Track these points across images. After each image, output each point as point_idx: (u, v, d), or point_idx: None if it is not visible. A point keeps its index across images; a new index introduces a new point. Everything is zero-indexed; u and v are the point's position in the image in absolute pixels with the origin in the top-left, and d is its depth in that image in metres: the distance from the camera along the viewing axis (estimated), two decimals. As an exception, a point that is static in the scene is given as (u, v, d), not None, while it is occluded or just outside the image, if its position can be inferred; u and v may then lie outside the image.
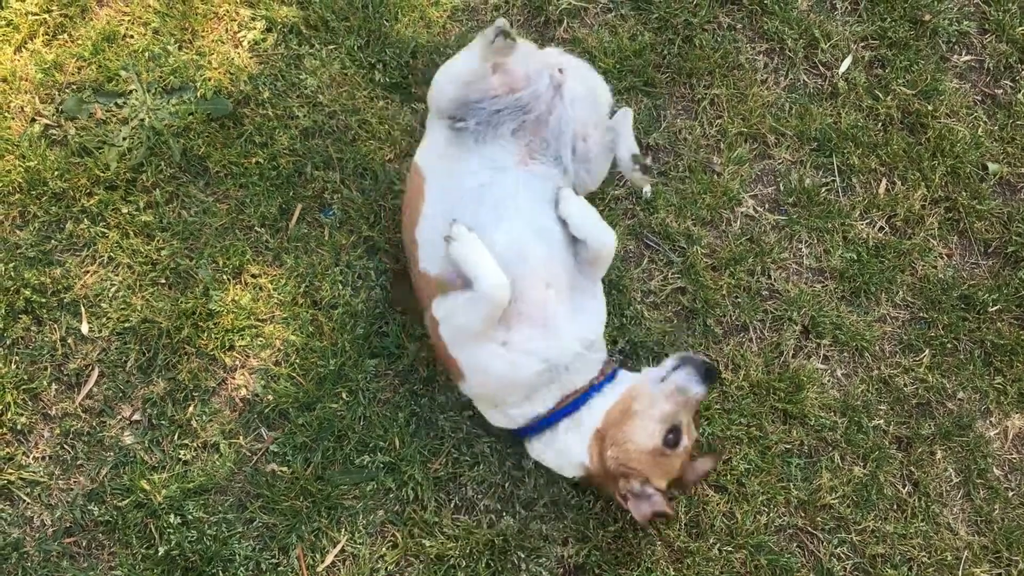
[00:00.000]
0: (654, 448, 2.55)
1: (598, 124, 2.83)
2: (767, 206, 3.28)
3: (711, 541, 2.90)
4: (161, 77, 3.16)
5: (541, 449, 2.72)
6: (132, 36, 3.18)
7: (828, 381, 3.10)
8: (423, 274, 2.70)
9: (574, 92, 2.79)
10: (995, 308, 3.18)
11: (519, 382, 2.60)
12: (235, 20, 3.22)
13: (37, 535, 2.77)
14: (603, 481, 2.64)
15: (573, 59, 2.90)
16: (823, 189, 3.28)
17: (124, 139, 3.09)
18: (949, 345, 3.14)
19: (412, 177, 2.81)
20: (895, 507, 2.99)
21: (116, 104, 3.14)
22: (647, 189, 3.24)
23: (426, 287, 2.70)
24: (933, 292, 3.19)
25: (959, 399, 3.10)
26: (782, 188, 3.28)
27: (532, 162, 2.73)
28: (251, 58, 3.20)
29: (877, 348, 3.14)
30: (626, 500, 2.59)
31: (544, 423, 2.66)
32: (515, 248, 2.56)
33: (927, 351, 3.13)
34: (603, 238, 2.62)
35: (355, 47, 3.24)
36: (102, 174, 3.03)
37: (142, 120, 3.11)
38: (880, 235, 3.25)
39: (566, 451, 2.67)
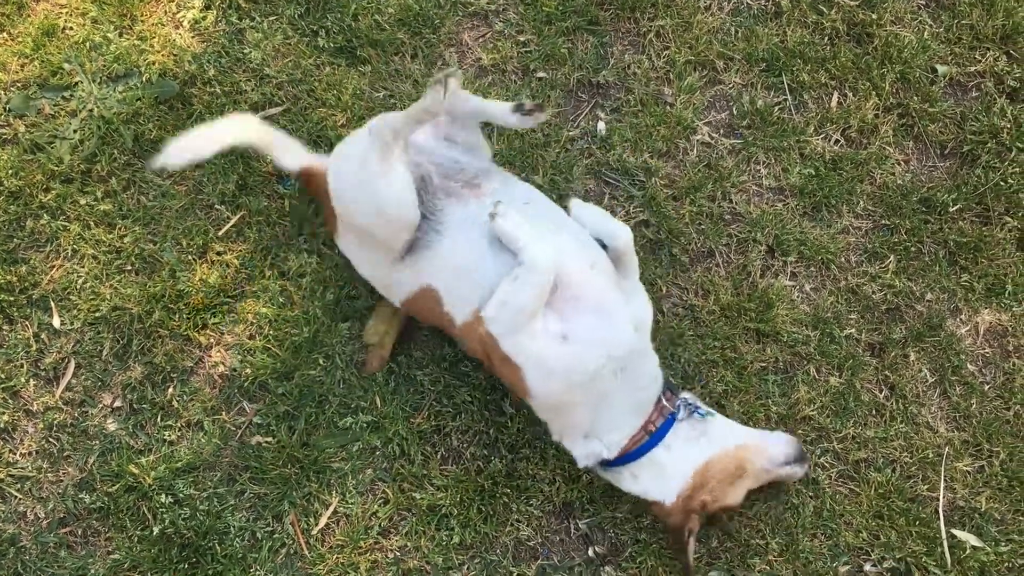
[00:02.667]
0: (735, 505, 2.67)
1: (442, 127, 2.77)
2: (722, 131, 3.25)
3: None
4: (105, 66, 3.12)
5: (631, 479, 2.68)
6: (71, 28, 3.13)
7: (797, 297, 3.09)
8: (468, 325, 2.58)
9: (416, 136, 2.68)
10: (955, 208, 3.16)
11: (585, 376, 2.46)
12: (173, 1, 3.17)
13: (32, 529, 2.77)
14: (672, 513, 2.64)
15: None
16: (776, 109, 3.25)
17: (75, 131, 3.06)
18: (913, 249, 3.13)
19: (423, 297, 2.64)
20: (874, 412, 2.99)
21: (63, 97, 3.10)
22: (601, 126, 3.22)
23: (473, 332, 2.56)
24: (893, 199, 3.18)
25: (928, 301, 3.10)
26: (735, 112, 3.26)
27: (476, 188, 2.63)
28: (193, 37, 3.16)
29: (842, 259, 3.13)
30: (688, 539, 2.64)
31: (634, 454, 2.62)
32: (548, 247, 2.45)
33: (892, 257, 3.12)
34: (616, 231, 2.57)
35: (296, 15, 3.20)
36: (56, 168, 3.00)
37: (91, 111, 3.08)
38: (836, 148, 3.23)
39: (662, 476, 2.63)
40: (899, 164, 3.24)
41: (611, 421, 2.59)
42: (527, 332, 2.42)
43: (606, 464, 2.65)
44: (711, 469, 2.60)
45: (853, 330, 3.05)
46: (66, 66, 3.10)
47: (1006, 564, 2.87)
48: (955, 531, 2.87)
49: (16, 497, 2.79)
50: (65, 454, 2.83)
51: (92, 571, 2.74)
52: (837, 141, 3.24)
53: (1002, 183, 3.19)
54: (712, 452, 2.62)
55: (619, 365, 2.50)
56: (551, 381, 2.47)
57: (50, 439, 2.84)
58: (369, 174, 2.51)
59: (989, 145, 3.23)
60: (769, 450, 2.68)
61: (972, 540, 2.86)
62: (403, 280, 2.65)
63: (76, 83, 3.10)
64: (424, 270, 2.59)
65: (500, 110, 2.66)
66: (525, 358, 2.45)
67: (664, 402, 2.63)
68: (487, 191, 2.63)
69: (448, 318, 2.60)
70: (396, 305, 2.76)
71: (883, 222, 3.17)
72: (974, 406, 3.00)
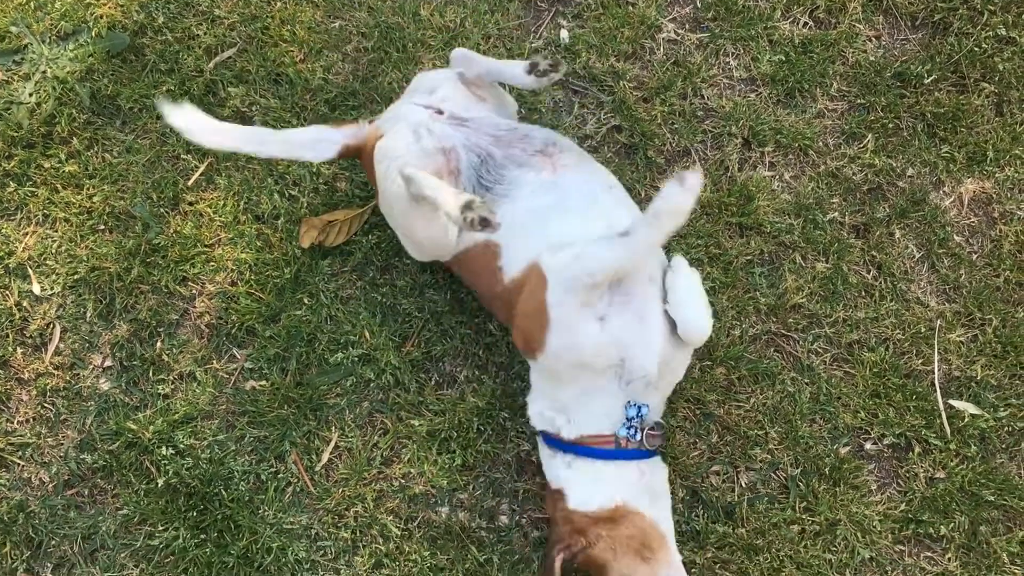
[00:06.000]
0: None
1: (482, 94, 2.68)
2: (687, 26, 3.14)
3: (691, 363, 2.87)
4: (52, 25, 3.02)
5: (563, 466, 2.47)
6: (12, -11, 3.03)
7: (777, 186, 3.02)
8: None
9: (456, 105, 2.60)
10: (931, 79, 3.06)
11: (595, 365, 2.35)
12: (111, -50, 3.06)
13: (39, 494, 2.76)
14: (569, 521, 2.41)
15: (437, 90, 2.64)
16: (740, -3, 3.14)
17: (30, 95, 2.97)
18: (891, 125, 3.04)
19: (483, 250, 2.53)
20: (863, 293, 2.94)
21: (14, 62, 3.01)
22: (564, 34, 3.12)
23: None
24: (867, 76, 3.08)
25: (909, 176, 3.02)
26: (699, 4, 3.14)
27: (550, 157, 2.53)
28: (137, -14, 3.05)
29: (820, 144, 3.04)
30: (558, 553, 2.36)
31: (588, 451, 2.44)
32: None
33: (870, 136, 3.04)
34: (697, 325, 2.36)
35: (239, -48, 3.08)
36: (16, 134, 2.92)
37: (44, 72, 2.99)
38: (805, 31, 3.12)
39: (594, 485, 2.42)
40: (870, 41, 3.13)
41: (589, 413, 2.44)
42: (579, 295, 2.30)
43: (553, 441, 2.50)
44: (628, 521, 2.38)
45: (836, 214, 2.98)
46: (13, 29, 3.00)
47: (1006, 429, 2.84)
48: (953, 401, 2.84)
49: (19, 464, 2.77)
50: (62, 418, 2.81)
51: (103, 528, 2.74)
52: (806, 24, 3.13)
53: (976, 49, 3.08)
54: (644, 510, 2.41)
55: (628, 378, 2.37)
56: (569, 351, 2.35)
57: (45, 405, 2.81)
58: (407, 212, 2.51)
59: (960, 11, 3.11)
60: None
61: (970, 409, 2.83)
62: (464, 238, 2.54)
63: (25, 45, 3.00)
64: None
65: (514, 71, 2.58)
66: (560, 316, 2.33)
67: (653, 432, 2.44)
68: (561, 163, 2.53)
69: (500, 274, 2.48)
70: (444, 259, 2.65)
71: (858, 101, 3.07)
72: (963, 276, 2.95)
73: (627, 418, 2.41)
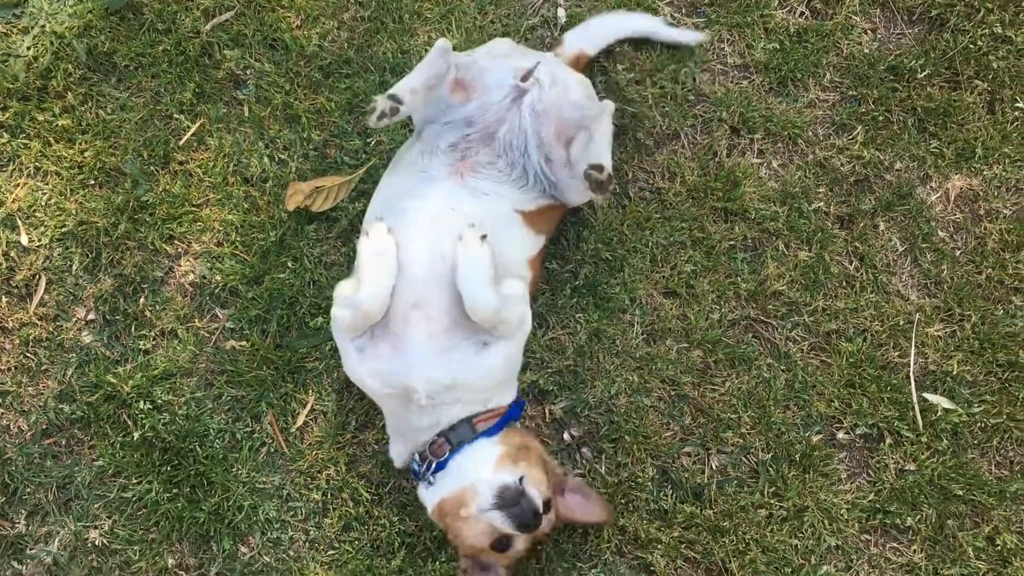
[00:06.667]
0: (484, 548, 2.41)
1: (563, 135, 2.56)
2: (684, 10, 3.14)
3: (668, 343, 2.88)
4: (52, -20, 3.04)
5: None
6: (15, -57, 3.04)
7: (765, 173, 3.01)
8: None
9: (538, 103, 2.53)
10: (924, 74, 3.05)
11: (376, 393, 2.48)
12: (114, -91, 3.07)
13: (16, 441, 2.79)
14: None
15: (551, 65, 2.60)
16: (738, -17, 3.13)
17: (28, 49, 2.99)
18: (881, 118, 3.03)
19: None
20: (844, 284, 2.94)
21: (14, 15, 3.02)
22: (561, 13, 3.12)
23: None
24: (860, 68, 3.07)
25: (897, 170, 3.02)
26: (697, -10, 3.15)
27: (471, 175, 2.50)
28: (138, -55, 3.06)
29: (810, 133, 3.04)
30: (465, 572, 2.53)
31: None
32: (405, 258, 2.38)
33: (860, 128, 3.03)
34: (475, 302, 2.33)
35: (241, -84, 3.09)
36: (12, 86, 2.94)
37: (42, 27, 3.00)
38: (801, 20, 3.11)
39: (424, 496, 2.53)
40: (866, 33, 3.13)
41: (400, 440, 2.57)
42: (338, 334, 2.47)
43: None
44: (444, 505, 2.45)
45: (822, 203, 2.98)
46: (13, -17, 3.02)
47: (979, 425, 2.84)
48: (927, 395, 2.85)
49: (-2, 412, 2.81)
50: (43, 368, 2.84)
51: (78, 478, 2.77)
52: (802, 13, 3.12)
53: (971, 46, 3.07)
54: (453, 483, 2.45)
55: (402, 401, 2.43)
56: (353, 376, 2.51)
57: (27, 354, 2.84)
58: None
59: (958, 8, 3.10)
60: (481, 485, 2.38)
61: (944, 403, 2.83)
62: None
63: (26, 0, 3.02)
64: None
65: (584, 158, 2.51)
66: (339, 343, 2.49)
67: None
68: (472, 184, 2.54)
69: None
70: None
71: (850, 93, 3.07)
72: (945, 272, 2.94)
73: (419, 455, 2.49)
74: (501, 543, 2.39)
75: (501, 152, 2.54)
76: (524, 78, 2.53)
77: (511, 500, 2.31)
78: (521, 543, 2.41)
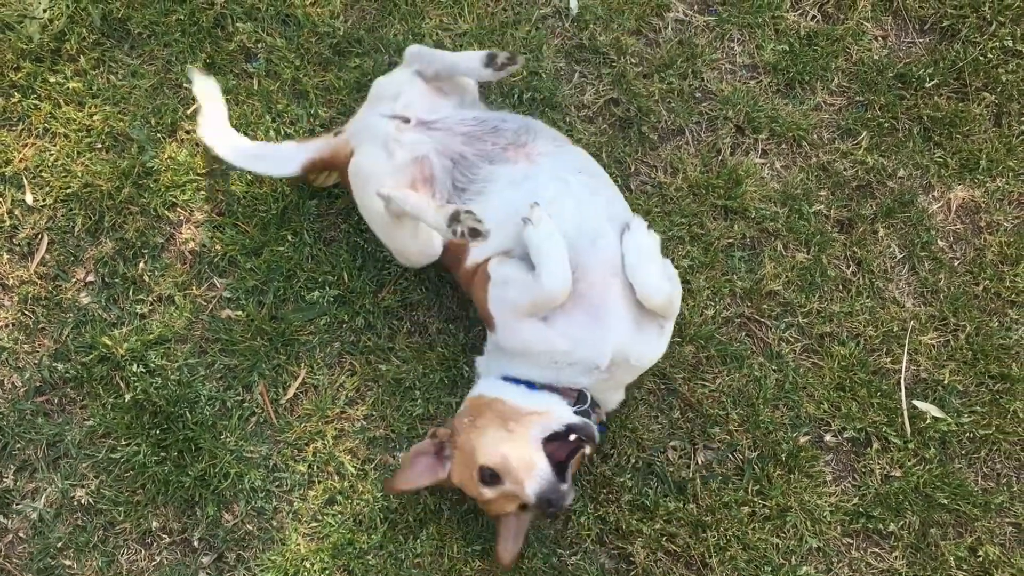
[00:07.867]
0: (478, 466, 2.41)
1: (442, 87, 2.68)
2: (696, 8, 3.14)
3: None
4: (72, -55, 3.06)
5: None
6: (37, -93, 3.07)
7: (767, 174, 3.01)
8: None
9: (421, 109, 2.61)
10: (932, 83, 3.04)
11: (548, 356, 2.41)
12: None
13: (10, 397, 2.81)
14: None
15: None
16: (751, -16, 3.13)
17: (44, 11, 3.01)
18: (887, 125, 3.03)
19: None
20: (840, 287, 2.93)
21: (32, -22, 3.05)
22: (573, 4, 3.13)
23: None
24: (868, 74, 3.07)
25: (900, 177, 3.01)
26: (710, -12, 3.15)
27: (523, 148, 2.54)
28: (158, -85, 3.08)
29: (814, 136, 3.04)
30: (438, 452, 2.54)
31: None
32: (586, 229, 2.38)
33: (865, 133, 3.03)
34: (648, 289, 2.34)
35: None
36: (26, 47, 2.96)
37: (59, -10, 3.03)
38: (812, 24, 3.11)
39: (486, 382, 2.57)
40: (876, 40, 3.12)
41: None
42: (507, 312, 2.41)
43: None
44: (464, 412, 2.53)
45: (822, 206, 2.98)
46: (33, -54, 3.04)
47: (967, 435, 2.83)
48: (917, 402, 2.84)
49: (-7, 367, 2.83)
50: (40, 326, 2.85)
51: (68, 437, 2.78)
52: (814, 17, 3.13)
53: (981, 58, 3.06)
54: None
55: (582, 368, 2.42)
56: (516, 344, 2.44)
57: (25, 312, 2.86)
58: (390, 227, 2.55)
59: (970, 19, 3.10)
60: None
61: (933, 411, 2.82)
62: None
63: (44, -37, 3.05)
64: None
65: (470, 64, 2.57)
66: (500, 317, 2.43)
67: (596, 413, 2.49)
68: (536, 152, 2.53)
69: (465, 253, 2.54)
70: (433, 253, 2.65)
71: (857, 98, 3.07)
72: (942, 281, 2.93)
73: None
74: (487, 476, 2.38)
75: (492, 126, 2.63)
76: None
77: (560, 469, 2.31)
78: (498, 494, 2.38)
